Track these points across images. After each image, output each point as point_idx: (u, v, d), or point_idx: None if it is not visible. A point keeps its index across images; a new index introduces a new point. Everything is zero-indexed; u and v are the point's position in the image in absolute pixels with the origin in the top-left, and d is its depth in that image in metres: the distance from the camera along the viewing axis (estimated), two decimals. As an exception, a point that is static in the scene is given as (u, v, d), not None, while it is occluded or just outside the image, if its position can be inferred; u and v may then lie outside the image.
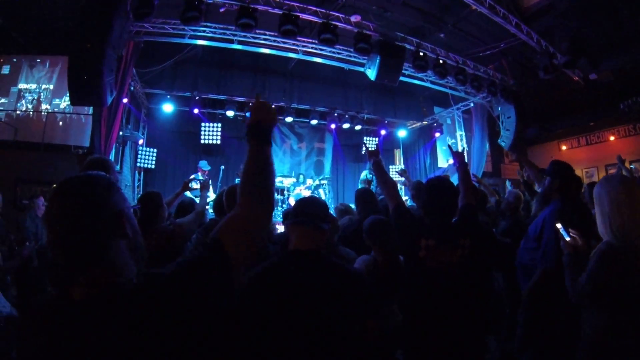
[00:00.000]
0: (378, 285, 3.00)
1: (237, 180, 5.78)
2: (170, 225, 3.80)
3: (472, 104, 13.67)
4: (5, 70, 12.42)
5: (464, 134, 14.77)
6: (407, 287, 3.04)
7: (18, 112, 12.09)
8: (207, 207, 5.11)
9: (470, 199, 3.26)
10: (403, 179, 7.72)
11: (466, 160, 3.90)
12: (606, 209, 2.47)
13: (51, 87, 12.36)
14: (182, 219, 4.02)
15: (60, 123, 12.17)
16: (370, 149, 3.75)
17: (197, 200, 5.03)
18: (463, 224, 3.04)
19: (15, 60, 12.47)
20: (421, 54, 10.09)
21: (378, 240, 3.30)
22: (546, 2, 9.68)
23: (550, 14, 9.90)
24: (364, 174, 10.71)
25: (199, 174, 9.98)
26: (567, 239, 2.65)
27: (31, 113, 12.11)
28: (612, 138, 14.60)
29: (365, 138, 15.09)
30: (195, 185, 4.92)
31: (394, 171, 15.21)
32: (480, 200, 5.23)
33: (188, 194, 5.72)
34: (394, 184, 3.40)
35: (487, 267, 3.92)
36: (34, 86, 12.40)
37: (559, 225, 2.73)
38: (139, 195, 4.02)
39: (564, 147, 16.28)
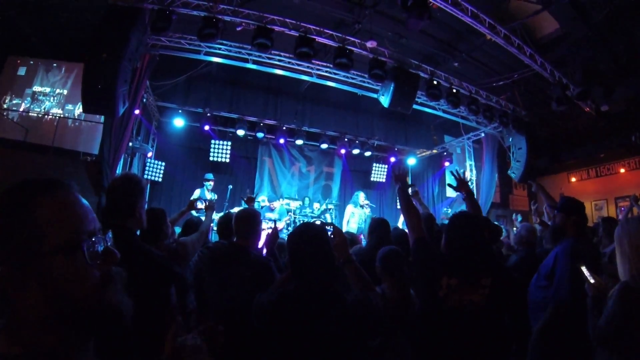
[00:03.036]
0: (386, 320, 2.94)
1: (243, 204, 5.75)
2: (173, 243, 3.77)
3: (483, 134, 13.58)
4: (22, 71, 12.59)
5: (473, 163, 14.71)
6: (422, 325, 2.94)
7: (31, 113, 12.17)
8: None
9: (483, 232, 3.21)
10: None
11: (471, 188, 3.87)
12: (626, 250, 2.45)
13: (65, 92, 12.50)
14: (186, 237, 3.99)
15: (71, 128, 12.25)
16: (397, 172, 3.66)
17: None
18: (484, 262, 2.92)
19: (32, 62, 12.65)
20: (435, 82, 10.09)
21: (392, 271, 3.26)
22: (561, 32, 9.67)
23: (564, 43, 9.89)
24: (356, 215, 10.82)
25: (208, 183, 10.03)
26: (592, 281, 2.61)
27: (44, 116, 12.19)
28: (622, 170, 14.55)
29: (374, 164, 15.11)
30: (201, 205, 4.89)
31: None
32: (493, 236, 5.18)
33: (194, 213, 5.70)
34: (418, 214, 3.29)
35: (507, 308, 3.86)
36: (48, 90, 12.54)
37: (583, 268, 2.69)
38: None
39: (573, 179, 16.25)
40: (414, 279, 3.14)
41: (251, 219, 3.55)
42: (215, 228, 7.15)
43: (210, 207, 4.75)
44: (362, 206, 11.51)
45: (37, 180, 1.01)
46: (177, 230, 5.33)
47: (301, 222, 11.62)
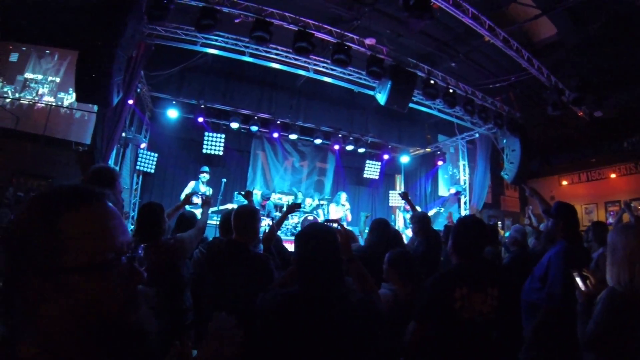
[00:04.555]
0: (401, 321, 2.94)
1: (235, 195, 5.66)
2: (171, 239, 3.74)
3: (477, 135, 13.58)
4: (14, 57, 12.41)
5: (467, 163, 14.67)
6: (435, 340, 2.79)
7: (22, 101, 11.99)
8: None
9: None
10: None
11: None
12: (618, 256, 2.48)
13: (57, 79, 12.35)
14: (183, 234, 3.93)
15: (64, 117, 12.09)
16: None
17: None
18: (490, 270, 2.90)
19: (24, 48, 12.47)
20: (432, 81, 10.06)
21: (404, 272, 3.25)
22: (555, 37, 9.74)
23: (561, 49, 9.96)
24: (340, 213, 10.96)
25: (203, 176, 9.95)
26: (583, 288, 2.61)
27: (35, 104, 12.03)
28: (613, 175, 14.66)
29: (367, 161, 15.16)
30: (197, 199, 4.84)
31: (394, 197, 15.19)
32: (493, 234, 5.22)
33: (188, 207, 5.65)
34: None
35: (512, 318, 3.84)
36: (40, 77, 12.37)
37: (575, 274, 2.69)
38: (139, 204, 3.92)
39: (564, 182, 16.32)
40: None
41: (250, 215, 3.50)
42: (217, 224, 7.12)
43: (207, 202, 4.70)
44: (342, 205, 11.79)
45: (69, 190, 0.96)
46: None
47: (302, 218, 11.68)
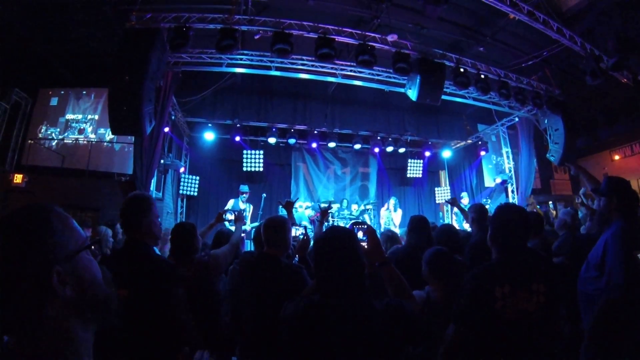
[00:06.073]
0: (431, 324, 2.78)
1: (280, 208, 5.67)
2: (205, 256, 3.79)
3: (517, 119, 13.12)
4: (54, 102, 13.07)
5: (510, 150, 14.26)
6: (477, 344, 2.56)
7: (66, 140, 12.53)
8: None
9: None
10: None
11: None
12: None
13: (96, 117, 12.91)
14: (217, 250, 3.98)
15: (106, 151, 12.56)
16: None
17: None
18: (535, 263, 2.61)
19: (62, 92, 13.08)
20: (462, 70, 9.78)
21: (440, 273, 3.09)
22: (584, 3, 9.29)
23: (590, 14, 9.51)
24: (385, 217, 10.83)
25: (242, 195, 10.06)
26: None
27: (76, 141, 12.54)
28: (669, 141, 13.77)
29: (409, 160, 14.93)
30: (230, 216, 4.90)
31: (440, 194, 14.93)
32: (538, 223, 4.90)
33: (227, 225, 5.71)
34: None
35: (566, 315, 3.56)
36: (80, 116, 12.93)
37: None
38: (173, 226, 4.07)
39: (616, 157, 15.46)
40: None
41: (278, 226, 3.44)
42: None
43: (239, 218, 4.72)
44: (390, 210, 11.94)
45: (36, 204, 1.14)
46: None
47: (349, 224, 11.63)
